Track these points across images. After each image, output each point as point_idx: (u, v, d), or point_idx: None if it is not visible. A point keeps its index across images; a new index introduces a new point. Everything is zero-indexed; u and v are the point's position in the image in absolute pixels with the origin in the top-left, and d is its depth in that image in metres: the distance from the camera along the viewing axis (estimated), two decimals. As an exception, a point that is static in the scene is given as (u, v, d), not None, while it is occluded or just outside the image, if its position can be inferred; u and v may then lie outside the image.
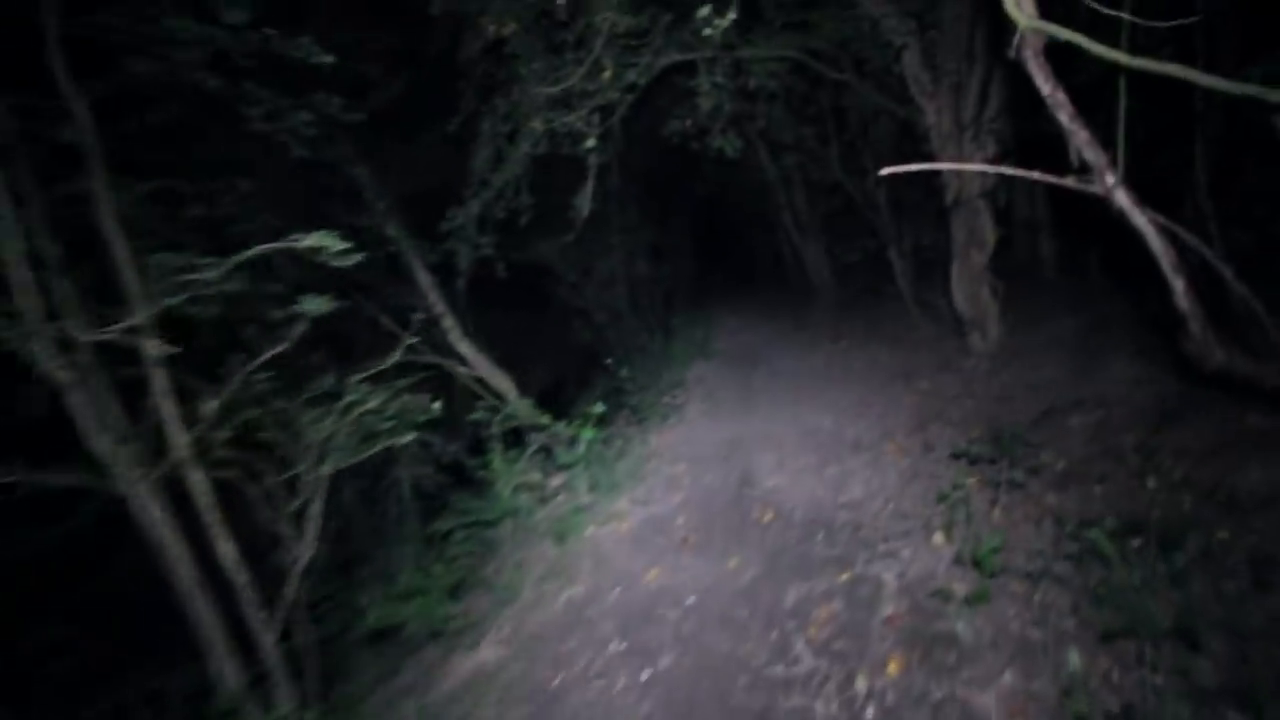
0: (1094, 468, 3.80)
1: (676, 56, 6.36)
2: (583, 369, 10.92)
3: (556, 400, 9.68)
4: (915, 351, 7.41)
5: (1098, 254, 6.72)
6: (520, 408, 7.98)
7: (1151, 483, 3.48)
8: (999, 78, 5.62)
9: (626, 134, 12.89)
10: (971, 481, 4.00)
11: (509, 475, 5.23)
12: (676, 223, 20.43)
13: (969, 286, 6.12)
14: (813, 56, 6.71)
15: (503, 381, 8.14)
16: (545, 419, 6.20)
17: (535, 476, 5.54)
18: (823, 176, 8.46)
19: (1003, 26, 2.94)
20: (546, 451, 6.03)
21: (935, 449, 4.71)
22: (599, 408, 5.65)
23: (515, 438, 6.88)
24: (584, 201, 6.75)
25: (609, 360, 6.62)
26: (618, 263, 9.83)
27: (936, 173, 7.83)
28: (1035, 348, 6.07)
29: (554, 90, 6.15)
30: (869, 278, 11.07)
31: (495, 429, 5.68)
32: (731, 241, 20.84)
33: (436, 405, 4.50)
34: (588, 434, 5.31)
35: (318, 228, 3.23)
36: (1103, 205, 2.94)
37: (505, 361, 8.72)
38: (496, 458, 5.39)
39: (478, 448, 6.53)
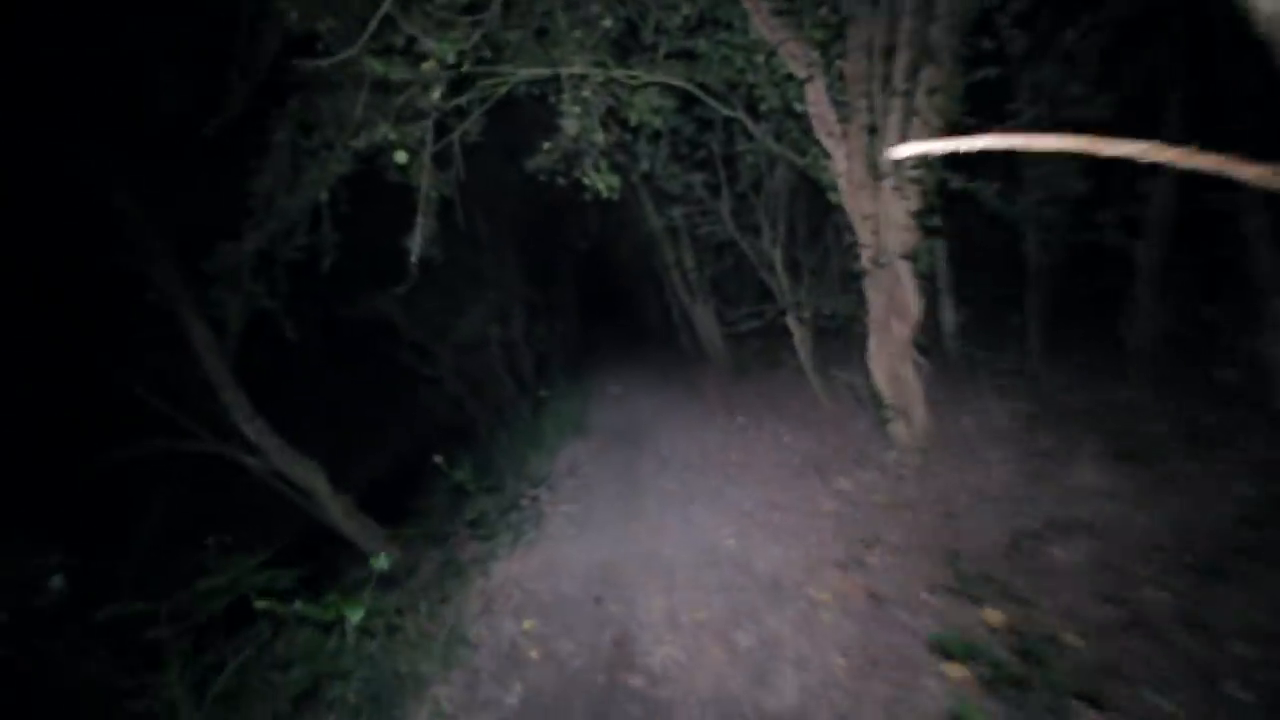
0: (1132, 655, 2.49)
1: (536, 71, 4.93)
2: (433, 450, 8.92)
3: (395, 496, 7.62)
4: (824, 435, 6.19)
5: (1033, 323, 5.86)
6: (334, 508, 5.94)
7: (1238, 692, 2.19)
8: (922, 117, 4.62)
9: (494, 177, 11.44)
10: (960, 680, 2.58)
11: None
12: (559, 278, 19.05)
13: (889, 364, 4.97)
14: (701, 89, 5.54)
15: (309, 474, 6.06)
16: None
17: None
18: (713, 231, 7.27)
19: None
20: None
21: (885, 600, 3.30)
22: (381, 561, 3.38)
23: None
24: (416, 243, 5.03)
25: (438, 458, 4.79)
26: (480, 321, 8.10)
27: (844, 231, 6.83)
28: (970, 440, 4.97)
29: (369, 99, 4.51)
30: (766, 346, 10.05)
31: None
32: (620, 299, 19.63)
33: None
34: (354, 613, 3.06)
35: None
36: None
37: (334, 445, 6.67)
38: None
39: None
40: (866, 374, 5.29)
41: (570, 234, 11.46)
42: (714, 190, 6.98)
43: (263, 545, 3.71)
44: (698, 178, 6.68)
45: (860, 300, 6.39)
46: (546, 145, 5.60)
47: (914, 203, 4.65)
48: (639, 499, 5.69)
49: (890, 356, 4.95)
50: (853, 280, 7.35)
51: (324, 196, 5.09)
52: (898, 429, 5.06)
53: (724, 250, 10.49)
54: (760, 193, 6.82)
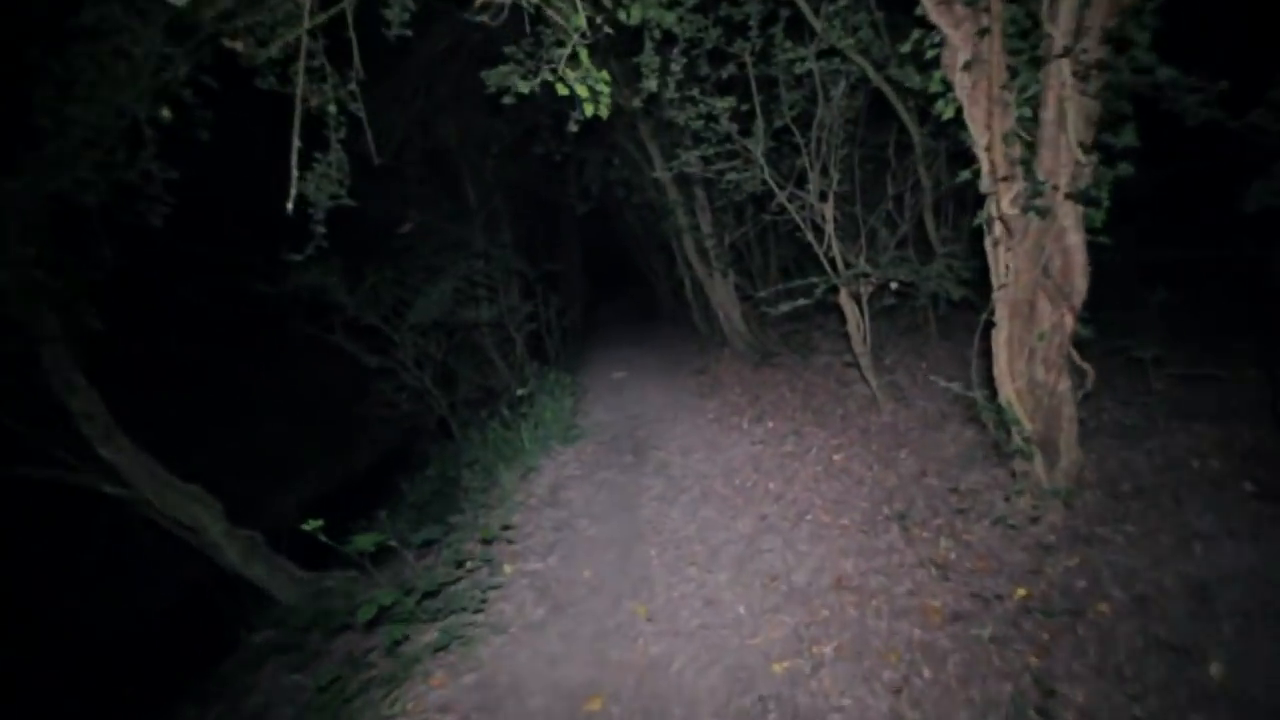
0: None
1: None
2: (388, 464, 7.26)
3: (339, 520, 5.90)
4: (894, 459, 4.37)
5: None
6: (231, 549, 4.27)
7: None
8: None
9: (480, 132, 9.50)
10: None
11: None
12: (561, 247, 17.14)
13: (1028, 367, 3.11)
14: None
15: (190, 506, 4.34)
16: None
17: None
18: (738, 183, 5.33)
19: None
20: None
21: None
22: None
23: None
24: (295, 186, 3.19)
25: (311, 525, 3.02)
26: (448, 299, 6.29)
27: (932, 171, 4.94)
28: (1149, 487, 3.14)
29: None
30: (794, 329, 8.17)
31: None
32: (627, 270, 17.69)
33: None
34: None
35: None
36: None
37: (256, 463, 5.01)
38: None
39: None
40: (977, 378, 3.44)
41: (569, 195, 9.56)
42: (743, 124, 5.04)
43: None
44: (722, 106, 4.74)
45: (971, 269, 4.56)
46: (508, 48, 3.67)
47: (1090, 110, 2.74)
48: (638, 551, 3.91)
49: (1030, 355, 3.09)
50: (945, 242, 5.47)
51: (147, 109, 3.24)
52: (1032, 465, 3.23)
53: (746, 210, 8.59)
54: (811, 126, 4.88)
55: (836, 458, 4.65)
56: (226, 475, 9.23)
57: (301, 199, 3.56)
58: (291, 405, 8.68)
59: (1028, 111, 2.91)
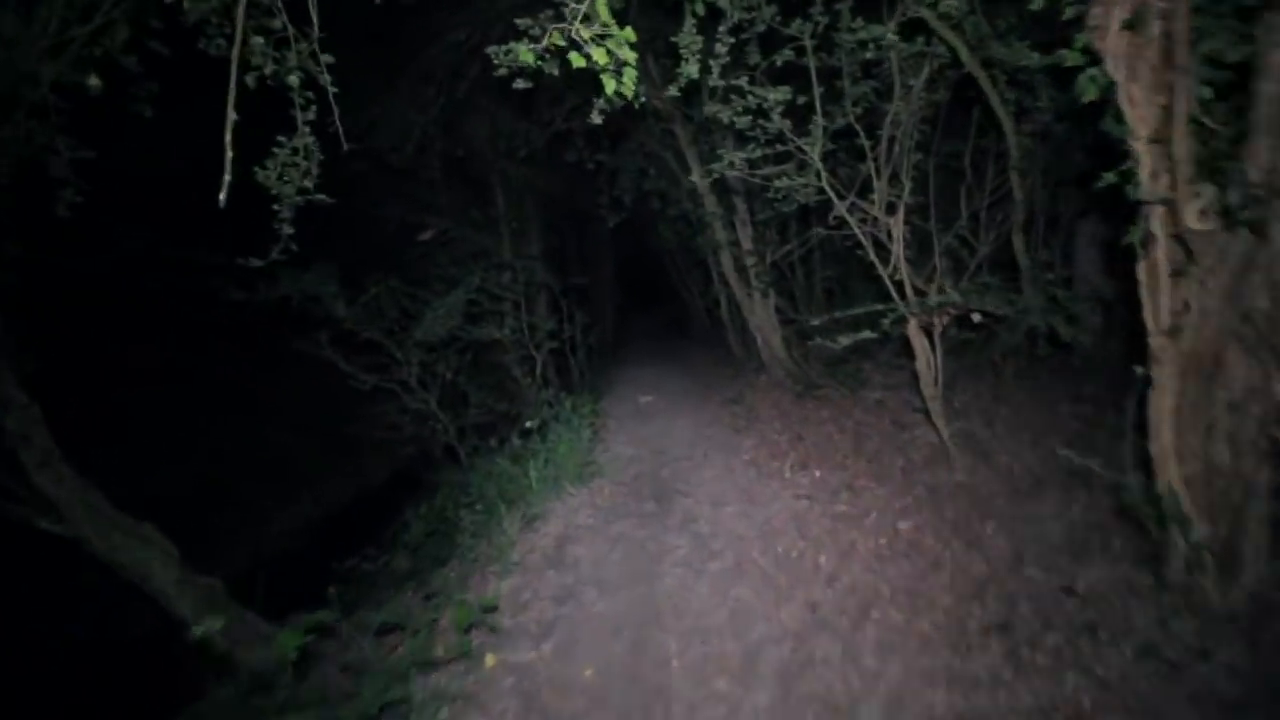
0: None
1: None
2: (412, 473, 6.59)
3: (321, 561, 5.19)
4: (976, 533, 3.46)
5: None
6: (182, 598, 3.62)
7: None
8: None
9: (508, 136, 8.86)
10: None
11: None
12: (593, 259, 16.48)
13: (1212, 452, 2.20)
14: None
15: (135, 549, 3.69)
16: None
17: None
18: (787, 192, 4.48)
19: None
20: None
21: None
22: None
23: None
24: (226, 179, 2.49)
25: (332, 589, 2.33)
26: (454, 310, 5.60)
27: (1024, 181, 4.09)
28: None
29: None
30: (847, 359, 7.25)
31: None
32: (660, 285, 16.92)
33: None
34: None
35: None
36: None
37: (228, 492, 4.43)
38: None
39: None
40: (1131, 455, 2.53)
41: (600, 205, 8.87)
42: (798, 122, 4.22)
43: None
44: (775, 98, 3.93)
45: (1111, 302, 3.67)
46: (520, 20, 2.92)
47: None
48: (655, 642, 3.07)
49: (1210, 430, 2.18)
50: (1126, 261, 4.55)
51: (57, 73, 2.58)
52: (1201, 577, 2.30)
53: (790, 226, 7.73)
54: (881, 125, 4.04)
55: (903, 526, 3.74)
56: (232, 487, 8.82)
57: (264, 192, 2.88)
58: (304, 414, 8.05)
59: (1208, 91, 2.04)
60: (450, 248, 8.01)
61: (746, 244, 7.57)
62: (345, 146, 2.86)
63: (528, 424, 5.07)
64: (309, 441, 6.96)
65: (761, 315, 7.80)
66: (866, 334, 4.00)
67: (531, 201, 11.05)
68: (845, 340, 4.00)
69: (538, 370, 7.09)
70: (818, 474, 4.75)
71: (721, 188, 7.55)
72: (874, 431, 5.45)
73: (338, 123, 2.76)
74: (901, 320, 4.19)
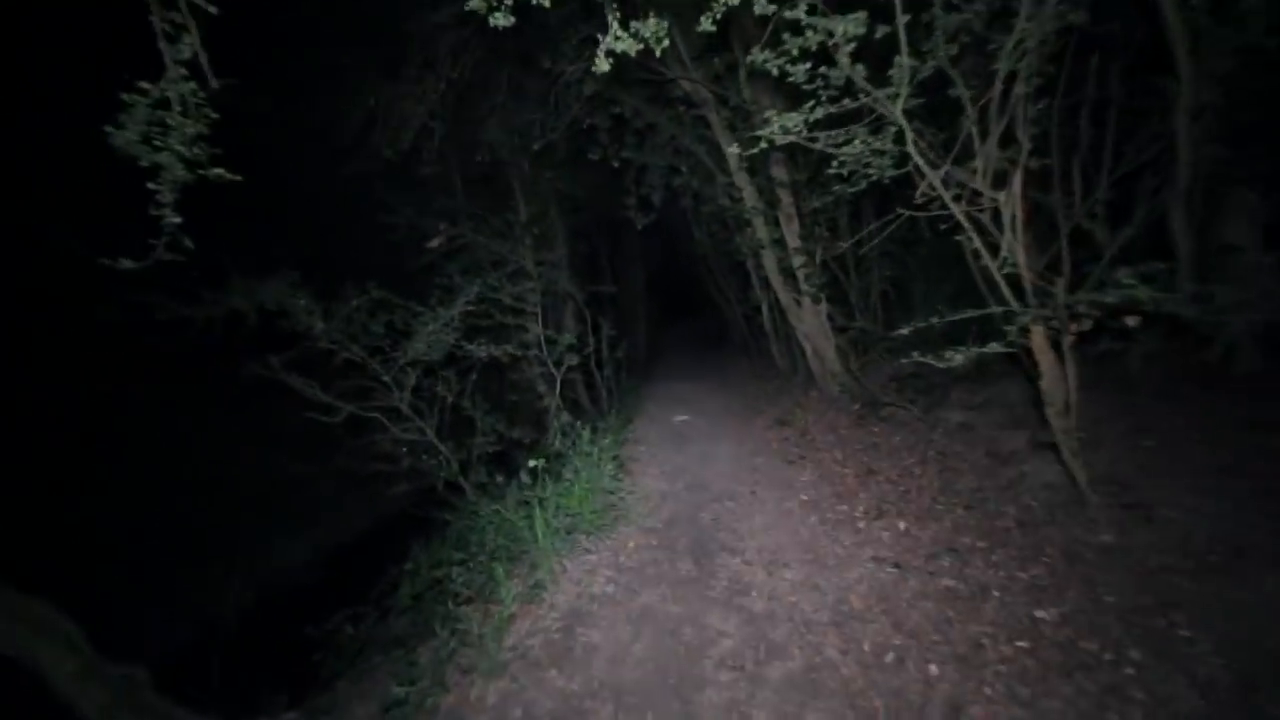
0: None
1: None
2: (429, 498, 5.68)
3: (339, 585, 4.28)
4: (1165, 636, 2.32)
5: None
6: (84, 695, 2.70)
7: None
8: None
9: (527, 130, 8.00)
10: None
11: None
12: (624, 266, 15.54)
13: None
14: None
15: (26, 636, 2.82)
16: None
17: None
18: (857, 166, 3.40)
19: None
20: None
21: None
22: None
23: None
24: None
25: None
26: (450, 325, 4.68)
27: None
28: None
29: None
30: (916, 372, 6.09)
31: None
32: (696, 291, 15.87)
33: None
34: None
35: None
36: None
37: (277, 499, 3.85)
38: None
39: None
40: None
41: (627, 207, 7.93)
42: (872, 70, 3.15)
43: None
44: (845, 30, 2.88)
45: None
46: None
47: None
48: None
49: None
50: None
51: None
52: None
53: (841, 218, 6.60)
54: (1002, 57, 2.95)
55: (1043, 616, 2.62)
56: (229, 516, 8.12)
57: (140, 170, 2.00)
58: (314, 438, 7.24)
59: None
60: (461, 256, 7.17)
61: (793, 241, 6.49)
62: (214, 83, 1.93)
63: (531, 463, 4.09)
64: (305, 474, 6.13)
65: (811, 323, 6.70)
66: (993, 348, 2.89)
67: (556, 207, 10.20)
68: (957, 359, 2.90)
69: (557, 390, 6.13)
70: (902, 526, 3.64)
71: (764, 178, 6.51)
72: (965, 466, 4.30)
73: (204, 62, 1.84)
74: (1021, 329, 3.07)
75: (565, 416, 4.95)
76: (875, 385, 6.20)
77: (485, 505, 4.35)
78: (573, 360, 6.27)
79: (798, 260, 6.49)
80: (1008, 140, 3.08)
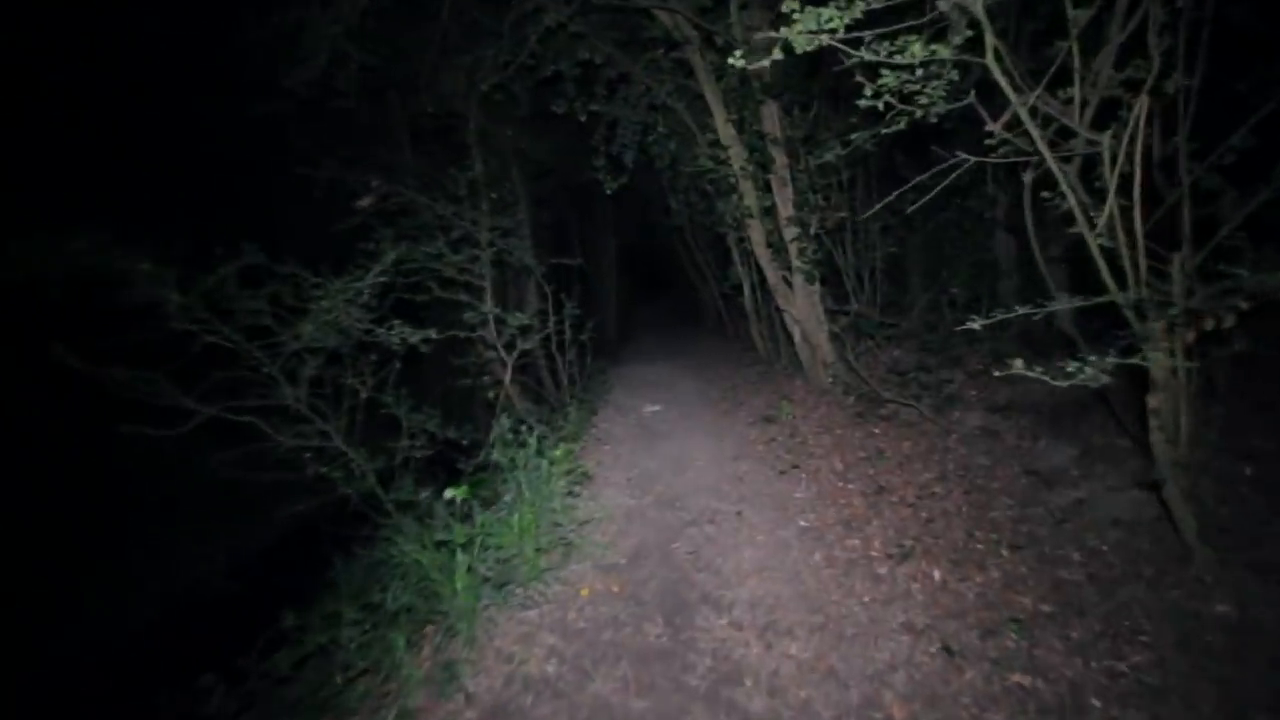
0: None
1: None
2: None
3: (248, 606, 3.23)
4: None
5: None
6: None
7: None
8: None
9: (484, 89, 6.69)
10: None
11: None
12: (597, 240, 14.39)
13: None
14: None
15: None
16: None
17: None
18: (889, 112, 2.43)
19: None
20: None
21: None
22: None
23: None
24: None
25: None
26: (351, 304, 3.61)
27: None
28: None
29: None
30: (923, 364, 5.22)
31: None
32: (670, 268, 14.82)
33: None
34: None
35: None
36: None
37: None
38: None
39: None
40: None
41: (596, 167, 6.83)
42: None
43: None
44: None
45: None
46: None
47: None
48: None
49: None
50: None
51: None
52: None
53: (837, 183, 5.64)
54: None
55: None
56: (132, 521, 6.90)
57: None
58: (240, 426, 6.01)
59: None
60: (399, 219, 6.02)
61: (786, 210, 5.52)
62: None
63: (449, 493, 3.08)
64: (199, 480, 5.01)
65: (804, 306, 5.77)
66: (1142, 357, 1.98)
67: (519, 170, 9.04)
68: (1085, 371, 1.97)
69: (506, 380, 5.11)
70: (937, 575, 2.77)
71: (754, 135, 5.49)
72: (997, 486, 3.45)
73: None
74: (1132, 341, 2.16)
75: (507, 420, 3.93)
76: (873, 377, 5.33)
77: (407, 532, 3.33)
78: (528, 344, 5.24)
79: (790, 232, 5.52)
80: (1126, 59, 2.14)
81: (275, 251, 3.72)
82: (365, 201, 5.69)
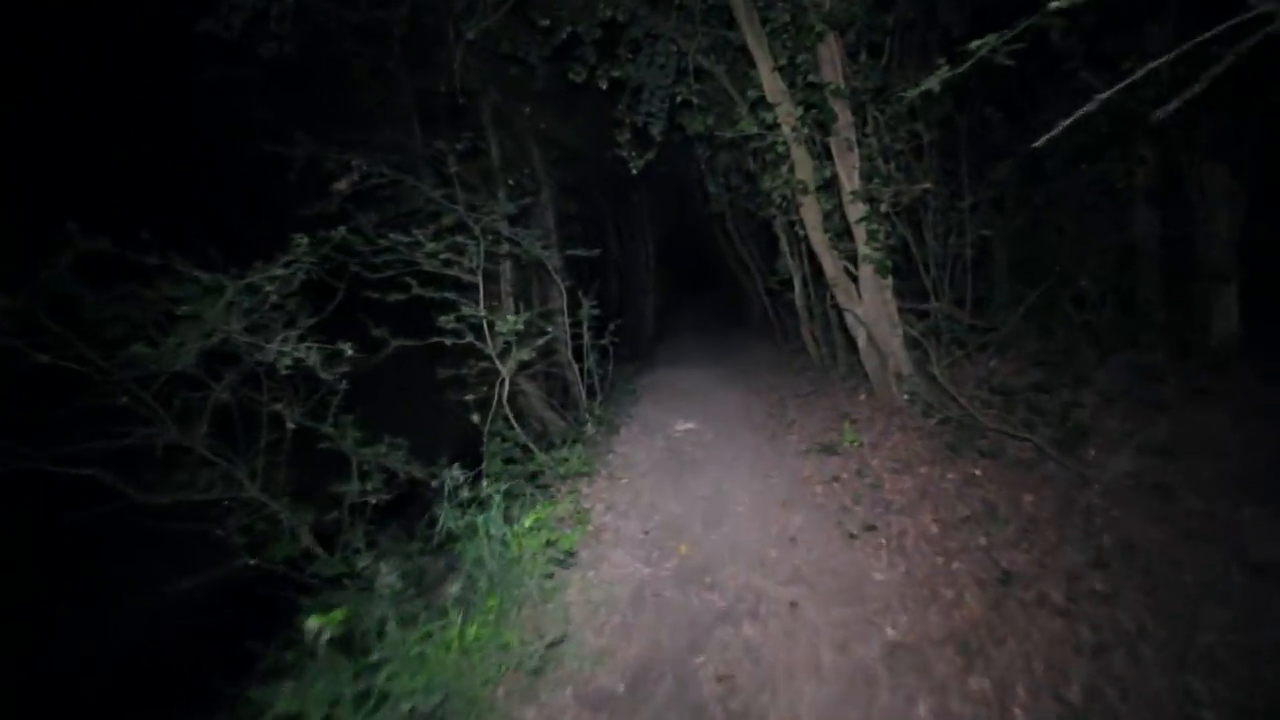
0: None
1: None
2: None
3: None
4: None
5: None
6: None
7: None
8: None
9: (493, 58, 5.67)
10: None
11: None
12: (631, 232, 13.28)
13: None
14: None
15: None
16: None
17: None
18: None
19: None
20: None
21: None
22: None
23: None
24: None
25: None
26: (215, 316, 2.61)
27: None
28: None
29: None
30: (1037, 380, 3.91)
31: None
32: (715, 265, 13.58)
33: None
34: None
35: None
36: None
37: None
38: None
39: None
40: None
41: (620, 143, 5.73)
42: None
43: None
44: None
45: None
46: None
47: None
48: None
49: None
50: None
51: None
52: None
53: (921, 152, 4.34)
54: None
55: None
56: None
57: None
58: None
59: None
60: (387, 205, 5.11)
61: (851, 182, 4.27)
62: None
63: (311, 623, 2.04)
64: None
65: (872, 304, 4.52)
66: None
67: (542, 154, 8.05)
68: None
69: (501, 398, 4.09)
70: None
71: (810, 89, 4.25)
72: (1191, 580, 2.19)
73: None
74: None
75: (454, 472, 2.88)
76: (966, 397, 4.04)
77: (364, 602, 2.33)
78: (526, 352, 4.20)
79: (857, 211, 4.28)
80: None
81: (233, 243, 2.78)
82: (342, 184, 4.76)
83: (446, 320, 3.71)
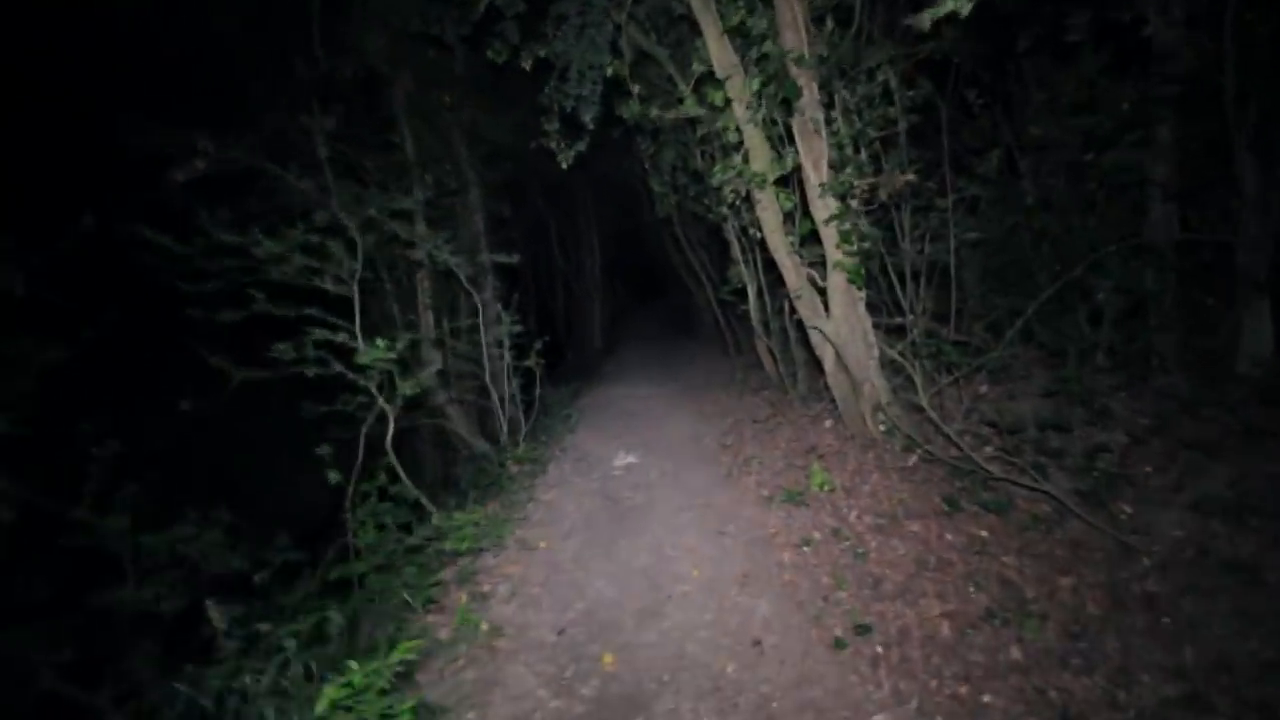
0: None
1: None
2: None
3: None
4: None
5: None
6: None
7: None
8: None
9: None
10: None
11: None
12: (577, 239, 12.37)
13: None
14: None
15: None
16: None
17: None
18: None
19: None
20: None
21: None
22: None
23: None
24: None
25: None
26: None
27: None
28: None
29: None
30: (1064, 428, 3.16)
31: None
32: (665, 273, 12.76)
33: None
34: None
35: None
36: None
37: None
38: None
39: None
40: None
41: (547, 131, 4.82)
42: None
43: None
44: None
45: None
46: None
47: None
48: None
49: None
50: None
51: None
52: None
53: (895, 140, 3.60)
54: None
55: None
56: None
57: None
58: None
59: None
60: (249, 199, 4.04)
61: (820, 173, 3.48)
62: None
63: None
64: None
65: (844, 319, 3.73)
66: None
67: (469, 152, 7.07)
68: None
69: (387, 441, 3.10)
70: None
71: (767, 58, 3.45)
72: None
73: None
74: None
75: (214, 609, 1.91)
76: (954, 429, 3.29)
77: None
78: (410, 387, 3.21)
79: (826, 209, 3.50)
80: None
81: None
82: (181, 174, 3.67)
83: (284, 349, 2.70)
